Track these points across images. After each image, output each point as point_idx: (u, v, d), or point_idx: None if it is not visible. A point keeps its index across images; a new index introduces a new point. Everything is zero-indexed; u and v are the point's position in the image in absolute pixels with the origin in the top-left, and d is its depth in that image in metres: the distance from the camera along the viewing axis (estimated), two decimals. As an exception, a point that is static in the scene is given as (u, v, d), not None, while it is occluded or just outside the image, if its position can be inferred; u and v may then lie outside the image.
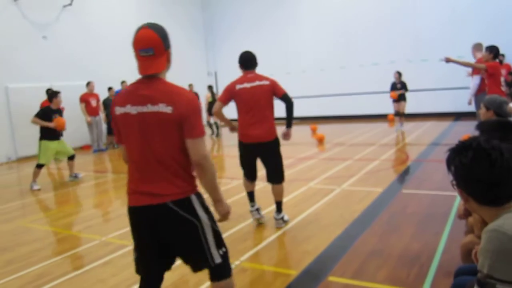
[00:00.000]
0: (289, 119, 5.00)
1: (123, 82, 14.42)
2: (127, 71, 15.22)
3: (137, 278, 3.80)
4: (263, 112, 4.80)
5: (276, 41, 18.24)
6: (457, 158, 1.74)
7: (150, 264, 2.54)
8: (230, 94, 4.82)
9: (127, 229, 5.27)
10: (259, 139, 4.80)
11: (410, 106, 15.76)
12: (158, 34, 2.32)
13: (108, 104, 13.55)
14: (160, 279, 2.65)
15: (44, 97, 11.52)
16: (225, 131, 17.20)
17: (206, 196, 2.50)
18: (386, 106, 15.94)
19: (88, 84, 13.06)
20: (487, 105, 4.35)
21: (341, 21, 16.69)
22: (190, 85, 17.06)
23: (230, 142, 13.35)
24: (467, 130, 10.32)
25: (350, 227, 4.83)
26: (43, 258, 4.58)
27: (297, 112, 18.38)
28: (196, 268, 2.55)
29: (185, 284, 3.70)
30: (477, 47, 9.30)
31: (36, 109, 11.18)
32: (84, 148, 13.93)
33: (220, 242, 2.53)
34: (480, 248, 1.64)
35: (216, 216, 2.56)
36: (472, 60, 8.34)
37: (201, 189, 2.47)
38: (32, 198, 7.68)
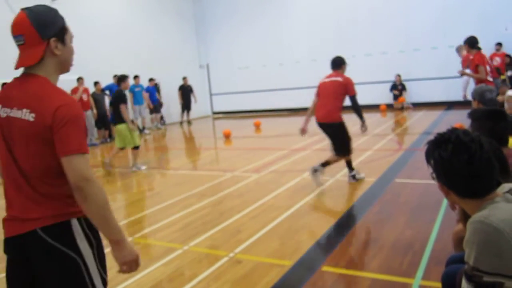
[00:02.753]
0: (358, 116, 6.13)
1: (115, 76, 14.32)
2: (119, 64, 15.20)
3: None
4: (328, 101, 5.97)
5: (269, 32, 18.17)
6: (437, 152, 1.70)
7: None
8: (317, 88, 6.24)
9: (121, 223, 5.28)
10: (320, 119, 6.05)
11: (404, 95, 15.87)
12: (30, 19, 1.83)
13: (95, 99, 13.47)
14: None
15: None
16: (220, 124, 17.19)
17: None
18: (379, 96, 16.03)
19: (79, 79, 12.97)
20: (473, 95, 4.44)
21: (333, 12, 16.63)
22: (184, 78, 17.04)
23: (222, 135, 13.33)
24: (459, 119, 10.37)
25: (344, 217, 4.85)
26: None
27: (290, 103, 18.42)
28: None
29: (180, 276, 3.71)
30: (461, 48, 9.44)
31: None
32: (76, 143, 13.84)
33: None
34: (465, 239, 1.62)
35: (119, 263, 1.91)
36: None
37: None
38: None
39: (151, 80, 16.06)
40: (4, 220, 1.90)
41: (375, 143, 9.16)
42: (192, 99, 17.19)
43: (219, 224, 4.95)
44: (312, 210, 5.19)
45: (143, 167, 8.74)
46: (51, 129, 1.75)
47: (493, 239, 1.53)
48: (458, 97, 13.70)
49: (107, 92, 14.19)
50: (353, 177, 6.20)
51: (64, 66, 1.94)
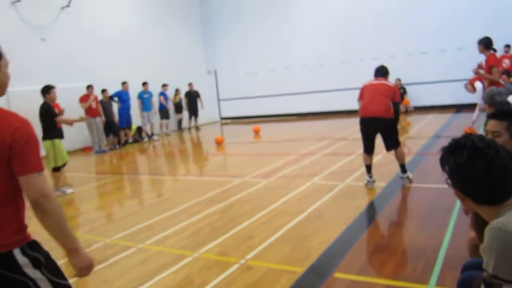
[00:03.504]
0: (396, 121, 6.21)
1: (124, 83, 14.40)
2: (128, 72, 15.28)
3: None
4: (380, 97, 6.00)
5: (276, 36, 18.16)
6: (452, 158, 1.67)
7: None
8: (361, 90, 6.29)
9: (131, 230, 5.28)
10: (377, 114, 5.95)
11: (411, 100, 15.80)
12: None
13: (102, 106, 13.51)
14: None
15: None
16: (228, 130, 17.21)
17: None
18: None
19: (89, 87, 13.05)
20: (484, 99, 4.41)
21: (341, 16, 16.61)
22: (190, 84, 17.12)
23: (231, 140, 13.33)
24: (468, 122, 10.29)
25: (355, 222, 4.81)
26: (48, 261, 4.57)
27: (297, 108, 18.36)
28: None
29: (190, 284, 3.69)
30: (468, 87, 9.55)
31: (37, 111, 11.17)
32: (85, 150, 13.93)
33: None
34: (483, 246, 1.59)
35: (72, 270, 2.09)
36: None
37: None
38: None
39: (164, 85, 16.16)
40: None
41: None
42: (199, 105, 17.24)
43: (229, 230, 4.93)
44: (322, 216, 5.15)
45: (69, 190, 7.89)
46: (10, 148, 1.84)
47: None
48: (467, 100, 13.62)
49: (116, 98, 14.27)
50: (408, 177, 6.18)
51: (1, 90, 2.04)
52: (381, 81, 6.24)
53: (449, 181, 1.73)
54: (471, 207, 1.74)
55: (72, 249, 2.01)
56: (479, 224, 1.89)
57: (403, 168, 6.14)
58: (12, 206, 1.92)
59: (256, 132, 14.14)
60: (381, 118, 5.98)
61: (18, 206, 1.95)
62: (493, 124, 2.59)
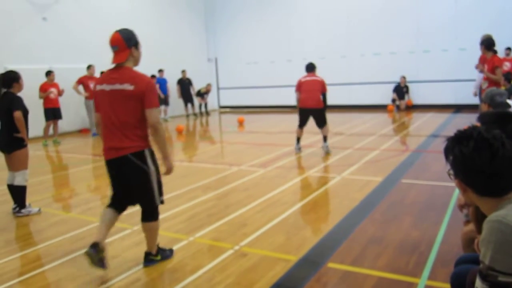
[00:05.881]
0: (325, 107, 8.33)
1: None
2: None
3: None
4: (315, 93, 8.11)
5: (279, 28, 18.11)
6: (457, 148, 1.68)
7: (118, 198, 3.69)
8: (298, 84, 8.30)
9: (127, 212, 5.22)
10: (312, 106, 8.13)
11: (411, 97, 15.80)
12: (122, 36, 3.42)
13: None
14: (124, 208, 3.79)
15: (43, 78, 11.47)
16: (225, 118, 17.18)
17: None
18: (386, 96, 15.98)
19: (89, 67, 12.92)
20: (483, 99, 4.43)
21: (344, 10, 16.56)
22: (183, 71, 16.98)
23: (228, 129, 13.33)
24: (467, 122, 10.30)
25: (350, 215, 4.83)
26: (43, 239, 4.58)
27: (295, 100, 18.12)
28: (141, 203, 3.67)
29: (184, 267, 3.70)
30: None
31: (36, 91, 11.12)
32: (82, 132, 13.89)
33: (161, 191, 3.65)
34: (481, 238, 1.60)
35: (163, 169, 3.59)
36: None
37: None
38: (31, 181, 7.64)
39: (160, 71, 16.07)
40: (104, 150, 3.53)
41: (382, 143, 9.12)
42: (192, 92, 17.22)
43: (224, 217, 4.95)
44: (318, 207, 5.17)
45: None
46: (144, 93, 3.35)
47: (510, 239, 1.52)
48: (467, 100, 13.67)
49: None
50: (327, 147, 8.36)
51: (137, 62, 3.59)
52: (313, 76, 8.19)
53: (451, 171, 1.74)
54: (471, 199, 1.75)
55: (166, 156, 3.57)
56: (479, 217, 1.90)
57: (325, 139, 8.26)
58: (142, 125, 3.44)
59: (241, 123, 14.19)
60: (316, 109, 8.09)
61: (145, 125, 3.45)
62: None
